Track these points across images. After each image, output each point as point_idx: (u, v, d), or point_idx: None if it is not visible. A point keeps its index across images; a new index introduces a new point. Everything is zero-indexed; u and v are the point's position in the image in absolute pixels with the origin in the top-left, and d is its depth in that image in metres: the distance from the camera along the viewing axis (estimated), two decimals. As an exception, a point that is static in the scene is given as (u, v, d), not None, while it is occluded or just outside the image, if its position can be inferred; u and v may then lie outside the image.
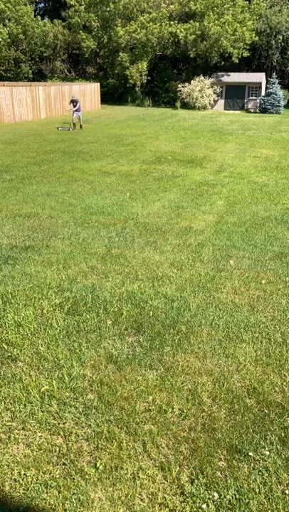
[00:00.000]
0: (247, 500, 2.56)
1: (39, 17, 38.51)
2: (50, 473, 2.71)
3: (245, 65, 38.13)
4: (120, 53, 34.17)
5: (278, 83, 32.76)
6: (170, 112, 31.19)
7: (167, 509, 2.52)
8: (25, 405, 3.23)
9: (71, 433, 3.00)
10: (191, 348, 3.91)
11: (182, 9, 34.03)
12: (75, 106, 20.16)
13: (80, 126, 20.64)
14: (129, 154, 13.98)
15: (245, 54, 33.77)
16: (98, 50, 36.29)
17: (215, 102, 35.15)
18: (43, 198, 8.68)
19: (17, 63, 36.60)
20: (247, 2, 33.89)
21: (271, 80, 32.66)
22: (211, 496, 2.57)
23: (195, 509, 2.51)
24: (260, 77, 35.06)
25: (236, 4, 33.15)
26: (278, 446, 2.92)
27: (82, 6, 34.77)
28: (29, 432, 3.01)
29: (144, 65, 33.88)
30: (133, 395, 3.33)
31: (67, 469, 2.74)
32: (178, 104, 34.29)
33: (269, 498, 2.59)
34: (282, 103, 32.63)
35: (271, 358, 3.81)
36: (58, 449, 2.88)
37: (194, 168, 11.92)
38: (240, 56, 33.88)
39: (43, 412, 3.17)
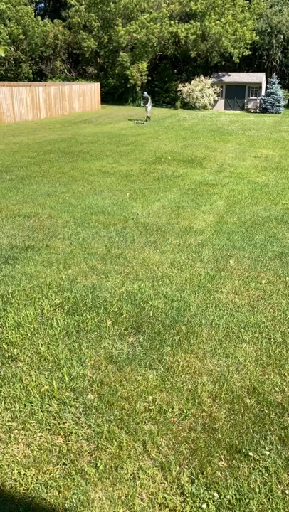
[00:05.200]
0: (247, 500, 2.56)
1: (39, 17, 38.49)
2: (50, 473, 2.71)
3: (246, 64, 38.15)
4: (121, 53, 34.17)
5: (278, 83, 32.78)
6: (170, 112, 31.19)
7: (167, 509, 2.52)
8: (25, 405, 3.23)
9: (71, 433, 3.00)
10: (191, 348, 3.91)
11: (182, 9, 34.04)
12: (146, 102, 24.46)
13: (149, 118, 24.85)
14: (129, 154, 13.98)
15: (246, 53, 33.78)
16: (98, 50, 36.29)
17: (215, 101, 35.15)
18: (43, 198, 8.68)
19: (17, 63, 36.61)
20: (247, 2, 33.89)
21: (271, 79, 32.67)
22: (211, 496, 2.57)
23: (195, 509, 2.51)
24: (260, 77, 35.07)
25: (236, 4, 33.15)
26: (278, 446, 2.92)
27: (83, 6, 34.76)
28: (29, 431, 3.01)
29: (144, 65, 33.88)
30: (133, 395, 3.33)
31: (68, 469, 2.74)
32: (178, 104, 34.29)
33: (269, 498, 2.59)
34: (283, 103, 32.64)
35: (271, 358, 3.81)
36: (58, 449, 2.88)
37: (194, 168, 11.92)
38: (240, 56, 33.90)
39: (43, 412, 3.17)
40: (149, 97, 24.91)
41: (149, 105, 24.46)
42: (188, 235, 6.75)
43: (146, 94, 25.29)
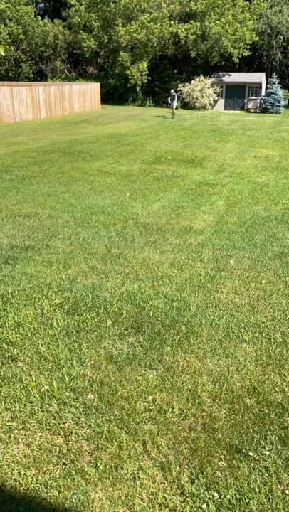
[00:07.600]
0: (247, 500, 2.56)
1: (39, 17, 38.54)
2: (50, 473, 2.71)
3: (246, 64, 38.17)
4: (121, 53, 34.17)
5: (278, 83, 32.78)
6: (170, 112, 31.16)
7: (167, 509, 2.52)
8: (25, 405, 3.23)
9: (71, 433, 3.00)
10: (191, 348, 3.91)
11: (183, 9, 34.05)
12: (173, 99, 28.21)
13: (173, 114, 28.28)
14: (129, 154, 13.98)
15: (246, 54, 33.79)
16: (98, 50, 36.29)
17: (215, 101, 35.16)
18: (43, 198, 8.68)
19: (17, 63, 36.62)
20: (247, 2, 33.92)
21: (271, 79, 32.68)
22: (211, 496, 2.57)
23: (195, 509, 2.51)
24: (260, 76, 35.08)
25: (236, 4, 33.17)
26: (278, 446, 2.92)
27: (83, 6, 34.77)
28: (29, 431, 3.01)
29: (144, 65, 33.89)
30: (133, 394, 3.33)
31: (68, 469, 2.74)
32: (178, 104, 34.28)
33: (269, 498, 2.59)
34: (283, 103, 32.65)
35: (271, 358, 3.81)
36: (58, 449, 2.88)
37: (194, 168, 11.92)
38: (240, 56, 33.92)
39: (43, 412, 3.17)
40: (176, 95, 28.79)
41: (175, 102, 28.24)
42: (188, 235, 6.75)
43: (173, 92, 28.77)
